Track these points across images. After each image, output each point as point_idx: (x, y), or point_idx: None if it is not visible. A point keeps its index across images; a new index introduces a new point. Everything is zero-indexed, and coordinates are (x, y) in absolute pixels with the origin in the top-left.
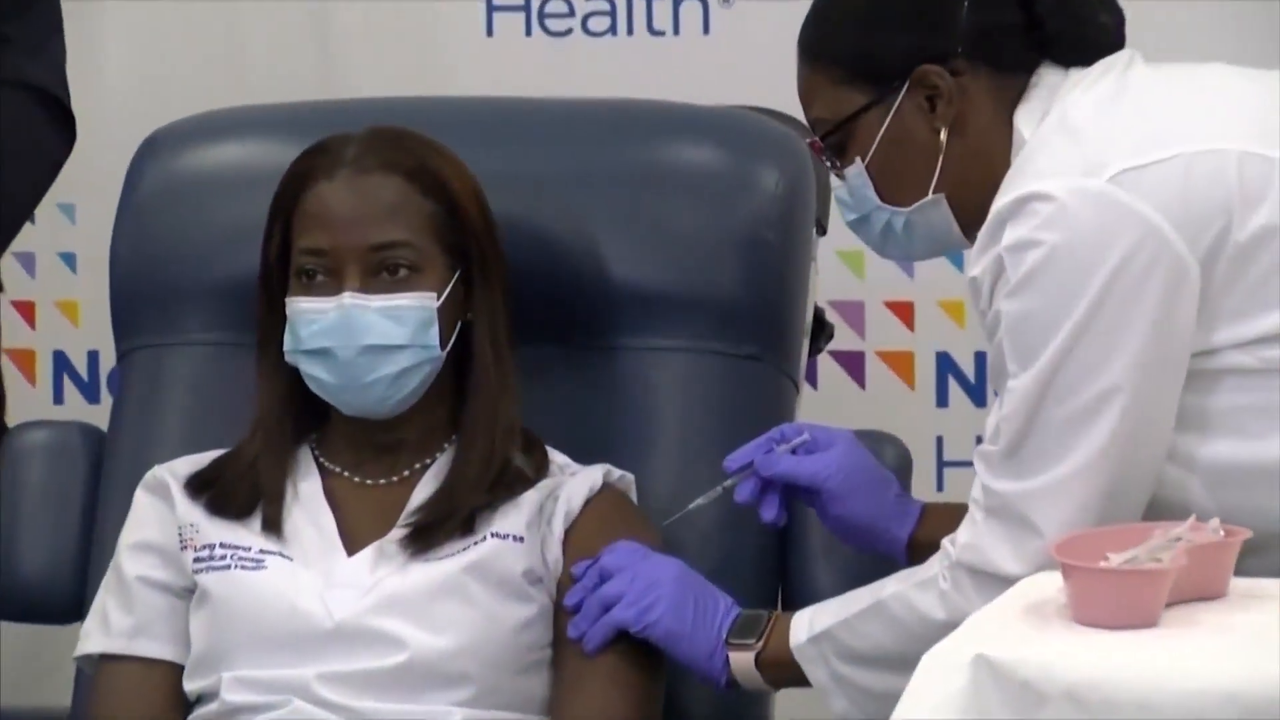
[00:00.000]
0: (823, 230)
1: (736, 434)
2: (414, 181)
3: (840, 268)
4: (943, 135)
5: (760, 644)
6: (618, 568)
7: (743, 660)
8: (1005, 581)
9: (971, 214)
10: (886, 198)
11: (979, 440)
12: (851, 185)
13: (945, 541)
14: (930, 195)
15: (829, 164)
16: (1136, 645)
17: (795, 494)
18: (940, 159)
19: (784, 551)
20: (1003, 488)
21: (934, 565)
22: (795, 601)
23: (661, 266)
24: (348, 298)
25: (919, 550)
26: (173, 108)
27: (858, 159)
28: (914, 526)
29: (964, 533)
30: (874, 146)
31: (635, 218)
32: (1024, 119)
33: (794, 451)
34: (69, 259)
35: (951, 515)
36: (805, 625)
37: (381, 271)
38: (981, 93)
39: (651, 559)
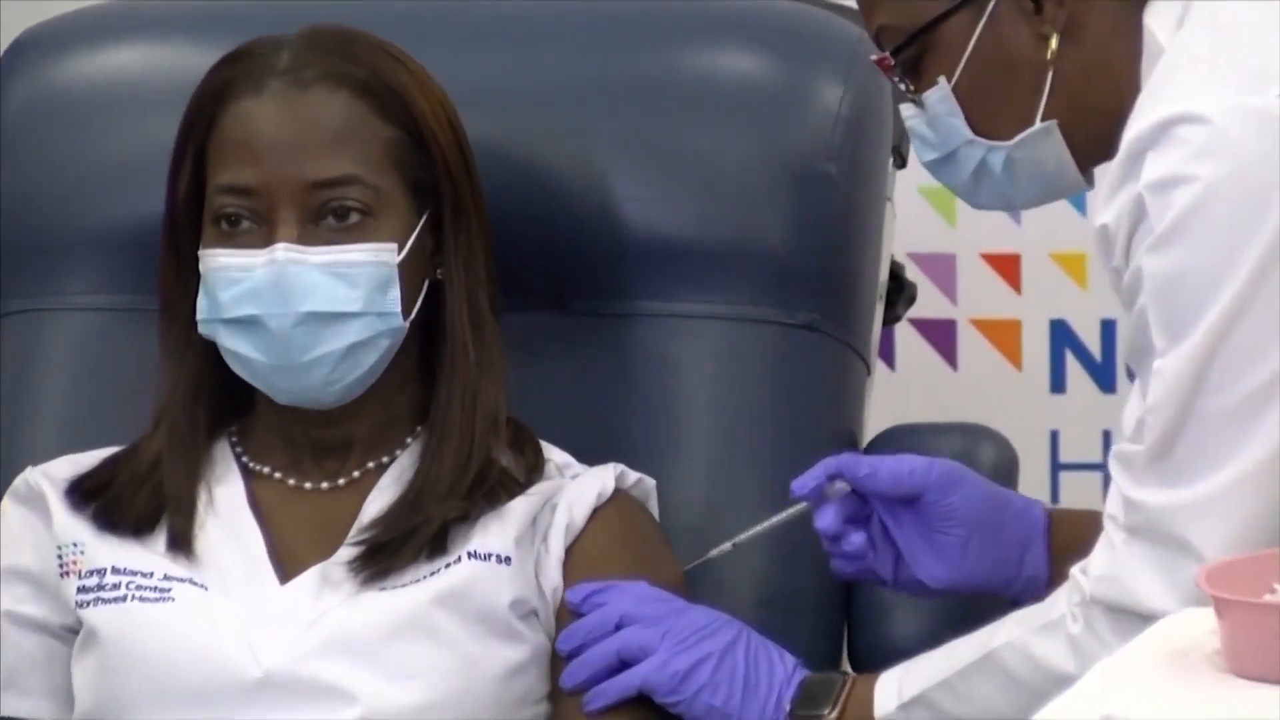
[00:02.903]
0: (902, 162)
1: (787, 425)
2: (367, 98)
3: (924, 210)
4: (1052, 44)
5: (835, 714)
6: (641, 618)
7: None
8: (1153, 621)
9: (1091, 146)
10: (980, 128)
11: (1106, 440)
12: (933, 114)
13: (1075, 571)
14: (1038, 123)
15: (903, 87)
16: None
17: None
18: (1049, 76)
19: (850, 591)
20: (1150, 499)
21: (1060, 603)
22: (864, 656)
23: (689, 209)
24: (281, 250)
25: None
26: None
27: (941, 79)
28: (1045, 534)
29: (1099, 560)
30: (962, 62)
31: (654, 146)
32: (1158, 20)
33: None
34: None
35: (1087, 523)
36: (894, 689)
37: (326, 216)
38: None
39: (690, 613)
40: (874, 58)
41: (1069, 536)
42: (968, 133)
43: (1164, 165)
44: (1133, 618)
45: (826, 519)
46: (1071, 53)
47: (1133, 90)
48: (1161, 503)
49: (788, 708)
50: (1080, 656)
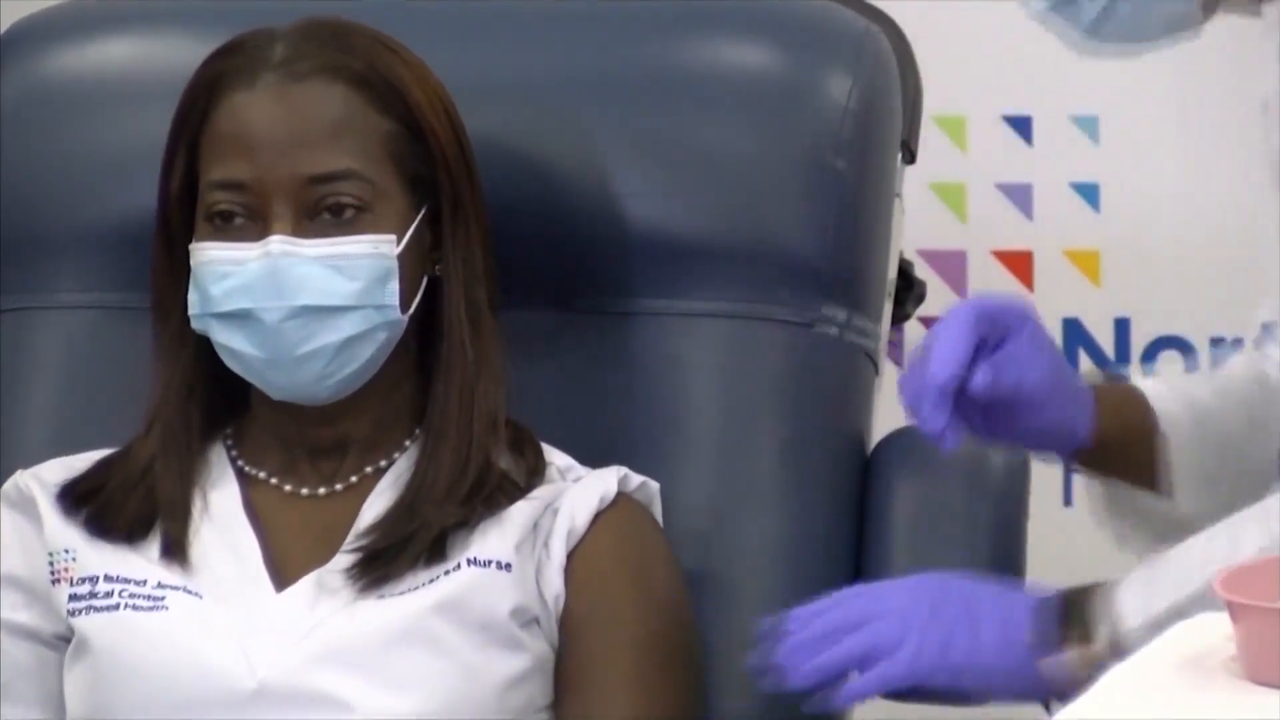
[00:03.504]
0: (911, 157)
1: (793, 426)
2: (363, 91)
3: (934, 206)
4: None
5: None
6: (876, 615)
7: (1080, 660)
8: None
9: None
10: None
11: None
12: None
13: None
14: None
15: None
16: None
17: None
18: None
19: (859, 571)
20: None
21: None
22: None
23: (693, 205)
24: (276, 243)
25: (1100, 449)
26: None
27: None
28: (1091, 420)
29: None
30: None
31: (658, 140)
32: None
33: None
34: None
35: (1126, 400)
36: (1136, 607)
37: (322, 212)
38: None
39: (887, 593)
40: None
41: (1108, 422)
42: None
43: None
44: None
45: (948, 435)
46: None
47: None
48: None
49: (1058, 639)
50: None
